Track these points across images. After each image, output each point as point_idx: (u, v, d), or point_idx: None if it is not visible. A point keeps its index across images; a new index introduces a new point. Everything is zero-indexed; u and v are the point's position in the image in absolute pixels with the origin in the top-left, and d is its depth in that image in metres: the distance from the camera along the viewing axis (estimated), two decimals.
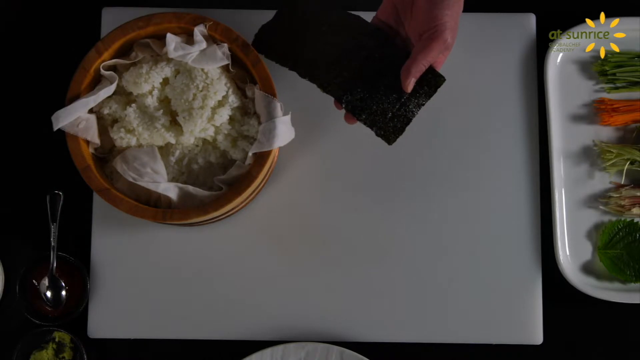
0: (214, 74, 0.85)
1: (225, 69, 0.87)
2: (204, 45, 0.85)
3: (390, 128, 0.82)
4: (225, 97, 0.86)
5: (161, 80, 0.87)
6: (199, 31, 0.85)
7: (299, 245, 0.96)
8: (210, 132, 0.86)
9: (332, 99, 0.83)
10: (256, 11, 0.98)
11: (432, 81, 0.82)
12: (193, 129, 0.85)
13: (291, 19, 0.85)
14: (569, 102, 0.98)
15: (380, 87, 0.82)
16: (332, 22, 0.84)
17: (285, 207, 0.96)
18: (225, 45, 0.86)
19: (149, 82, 0.86)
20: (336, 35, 0.84)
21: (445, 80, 0.82)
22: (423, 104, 0.83)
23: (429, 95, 0.83)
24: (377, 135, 0.83)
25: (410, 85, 0.80)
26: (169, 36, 0.85)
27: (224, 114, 0.86)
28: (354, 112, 0.82)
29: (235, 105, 0.87)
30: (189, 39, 0.86)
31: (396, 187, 0.97)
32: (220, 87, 0.86)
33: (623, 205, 0.96)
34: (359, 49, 0.83)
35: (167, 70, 0.87)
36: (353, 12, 0.85)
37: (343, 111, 0.84)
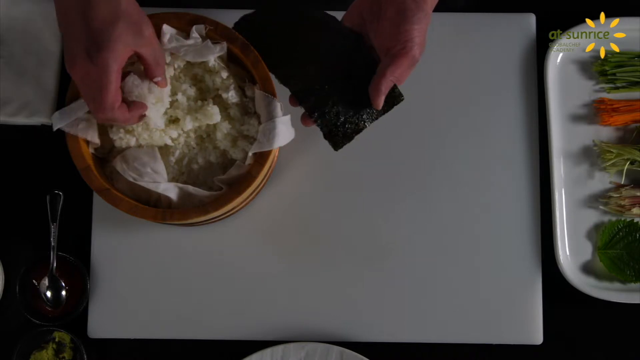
0: (216, 66, 0.86)
1: (225, 64, 0.87)
2: (199, 41, 0.86)
3: (340, 132, 0.82)
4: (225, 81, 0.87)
5: None
6: (196, 30, 0.86)
7: (299, 245, 0.96)
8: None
9: None
10: None
11: (389, 98, 0.82)
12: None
13: (269, 14, 0.85)
14: (569, 102, 0.98)
15: (339, 89, 0.82)
16: (304, 19, 0.84)
17: (285, 207, 0.96)
18: (224, 42, 0.86)
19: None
20: (308, 33, 0.84)
21: (403, 99, 0.81)
22: (376, 118, 0.82)
23: (384, 111, 0.82)
24: (325, 137, 0.82)
25: (381, 102, 0.80)
26: (165, 27, 0.85)
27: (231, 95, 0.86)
28: (306, 108, 0.82)
29: (235, 100, 0.87)
30: (187, 38, 0.86)
31: (396, 187, 0.97)
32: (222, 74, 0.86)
33: (623, 205, 0.96)
34: (329, 48, 0.83)
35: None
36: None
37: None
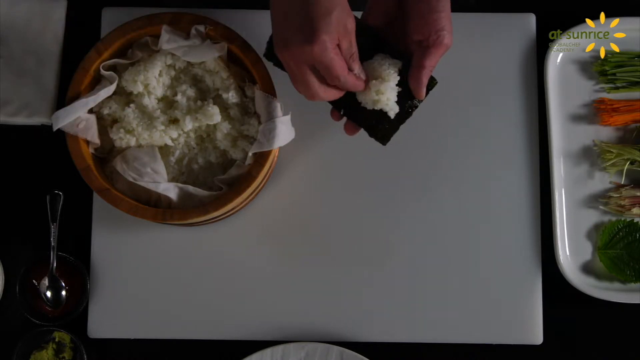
0: (216, 67, 0.86)
1: (226, 64, 0.87)
2: (198, 41, 0.86)
3: (384, 129, 0.82)
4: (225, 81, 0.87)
5: (156, 75, 0.87)
6: (196, 30, 0.86)
7: (299, 245, 0.96)
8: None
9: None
10: (256, 11, 0.98)
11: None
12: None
13: None
14: (569, 102, 0.98)
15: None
16: None
17: (285, 207, 0.96)
18: (224, 42, 0.86)
19: (146, 77, 0.86)
20: None
21: (437, 82, 0.82)
22: (417, 106, 0.82)
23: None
24: (371, 136, 0.82)
25: (424, 92, 0.80)
26: (165, 27, 0.85)
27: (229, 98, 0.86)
28: (346, 112, 0.82)
29: (235, 100, 0.87)
30: (187, 38, 0.87)
31: (396, 187, 0.97)
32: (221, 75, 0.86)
33: (623, 205, 0.96)
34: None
35: (159, 64, 0.86)
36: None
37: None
